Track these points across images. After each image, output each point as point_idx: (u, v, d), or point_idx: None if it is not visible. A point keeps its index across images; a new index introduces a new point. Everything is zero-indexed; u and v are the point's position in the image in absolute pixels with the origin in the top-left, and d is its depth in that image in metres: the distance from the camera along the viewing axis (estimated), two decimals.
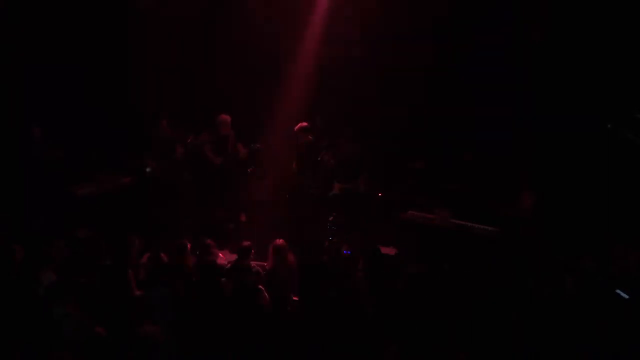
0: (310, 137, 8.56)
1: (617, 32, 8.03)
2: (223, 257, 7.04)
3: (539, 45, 8.67)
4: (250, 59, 9.93)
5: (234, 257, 7.10)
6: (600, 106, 8.01)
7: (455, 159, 8.65)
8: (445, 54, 9.16)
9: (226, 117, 8.64)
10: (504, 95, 8.84)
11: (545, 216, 7.41)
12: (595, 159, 8.09)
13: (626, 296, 5.30)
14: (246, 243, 6.36)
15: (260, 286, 5.61)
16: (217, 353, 4.87)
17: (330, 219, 8.27)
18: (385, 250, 7.08)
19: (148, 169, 8.56)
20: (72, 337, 4.63)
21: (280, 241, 6.41)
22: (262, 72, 9.98)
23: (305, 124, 8.56)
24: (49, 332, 4.67)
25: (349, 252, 7.93)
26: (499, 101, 8.87)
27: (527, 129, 8.66)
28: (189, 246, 6.34)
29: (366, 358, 4.72)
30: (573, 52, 8.40)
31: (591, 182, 8.00)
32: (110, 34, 9.42)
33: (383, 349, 4.70)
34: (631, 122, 7.33)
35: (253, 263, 6.40)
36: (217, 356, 4.88)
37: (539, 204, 7.47)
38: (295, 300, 5.77)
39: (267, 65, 9.92)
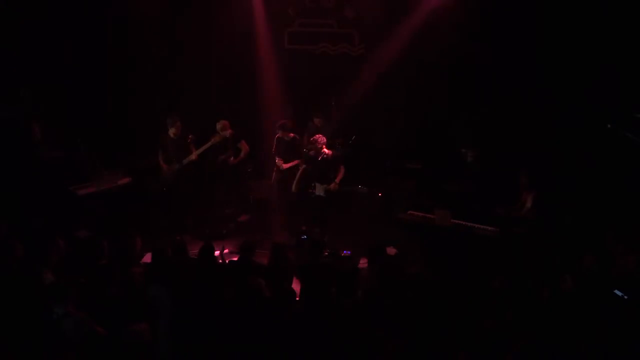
0: (291, 134, 8.63)
1: (617, 32, 8.04)
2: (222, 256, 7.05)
3: (539, 44, 8.67)
4: (246, 59, 9.94)
5: (233, 256, 7.11)
6: (600, 106, 8.01)
7: (455, 159, 8.64)
8: (445, 52, 9.16)
9: (225, 122, 8.68)
10: (504, 95, 8.84)
11: (545, 216, 7.42)
12: (595, 159, 8.09)
13: (625, 296, 5.30)
14: (248, 240, 6.38)
15: (260, 285, 5.60)
16: (216, 352, 4.87)
17: (303, 228, 8.30)
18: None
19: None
20: (72, 337, 4.63)
21: (279, 240, 6.43)
22: (259, 72, 10.01)
23: (284, 121, 8.64)
24: (49, 332, 4.67)
25: (349, 252, 7.95)
26: (499, 101, 8.88)
27: (527, 128, 8.67)
28: (187, 245, 6.35)
29: (366, 358, 4.72)
30: (573, 52, 8.41)
31: (591, 182, 8.01)
32: (108, 34, 9.43)
33: (383, 348, 4.71)
34: (631, 122, 7.33)
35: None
36: (217, 355, 4.89)
37: (539, 204, 7.48)
38: (295, 300, 5.77)
39: (264, 65, 9.96)
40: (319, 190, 8.23)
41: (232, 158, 8.84)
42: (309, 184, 8.35)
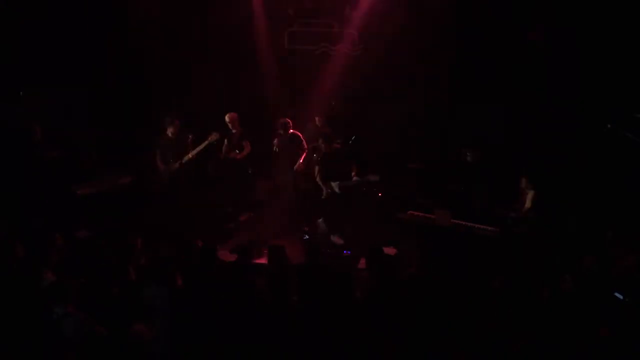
0: (291, 131, 8.63)
1: (617, 32, 8.04)
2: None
3: (539, 44, 8.68)
4: (250, 58, 9.95)
5: (233, 256, 7.11)
6: (600, 106, 8.01)
7: (455, 159, 8.65)
8: (444, 51, 9.15)
9: (233, 115, 8.67)
10: (505, 94, 8.84)
11: (545, 216, 7.42)
12: (595, 159, 8.09)
13: (626, 299, 5.29)
14: (248, 242, 6.39)
15: (260, 286, 5.61)
16: (216, 353, 4.87)
17: (306, 228, 8.29)
18: (385, 250, 7.08)
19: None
20: (72, 337, 4.63)
21: (278, 241, 6.43)
22: (260, 71, 10.01)
23: (284, 119, 8.63)
24: (49, 332, 4.67)
25: (349, 252, 7.95)
26: (500, 101, 8.87)
27: (527, 128, 8.66)
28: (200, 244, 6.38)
29: (366, 358, 4.72)
30: (573, 52, 8.41)
31: (591, 182, 8.01)
32: (110, 34, 9.43)
33: (383, 348, 4.71)
34: (631, 122, 7.34)
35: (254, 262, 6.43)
36: (216, 356, 4.89)
37: (539, 204, 7.48)
38: (295, 300, 5.77)
39: (266, 65, 9.97)
40: (334, 187, 8.22)
41: (237, 151, 8.85)
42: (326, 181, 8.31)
